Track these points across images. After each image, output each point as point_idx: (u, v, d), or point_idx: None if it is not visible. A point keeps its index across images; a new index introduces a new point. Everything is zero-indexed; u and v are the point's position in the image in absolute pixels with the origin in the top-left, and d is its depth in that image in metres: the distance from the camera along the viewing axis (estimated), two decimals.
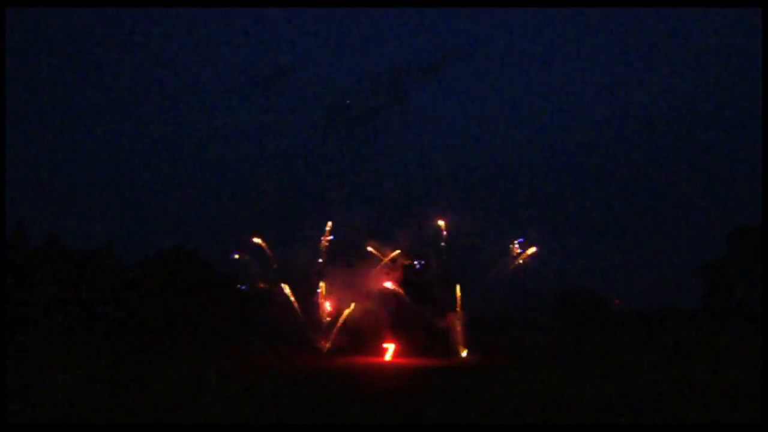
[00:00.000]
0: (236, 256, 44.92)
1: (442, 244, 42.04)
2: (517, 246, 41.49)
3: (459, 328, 40.58)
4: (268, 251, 43.74)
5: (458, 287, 40.42)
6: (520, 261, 41.42)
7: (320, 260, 43.05)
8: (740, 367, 28.12)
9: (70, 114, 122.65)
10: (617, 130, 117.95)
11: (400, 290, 41.15)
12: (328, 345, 41.79)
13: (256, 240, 43.88)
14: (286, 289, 42.63)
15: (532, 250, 41.38)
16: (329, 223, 43.22)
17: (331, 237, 43.11)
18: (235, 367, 30.94)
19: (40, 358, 31.61)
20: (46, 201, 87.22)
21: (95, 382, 23.63)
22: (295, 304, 42.69)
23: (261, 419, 16.93)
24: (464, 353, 40.11)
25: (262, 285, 45.21)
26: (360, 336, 41.06)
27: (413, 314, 41.09)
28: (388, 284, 41.01)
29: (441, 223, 42.06)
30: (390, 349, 39.18)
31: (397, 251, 41.79)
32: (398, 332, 40.02)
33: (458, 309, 40.26)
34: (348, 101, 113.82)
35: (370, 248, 41.95)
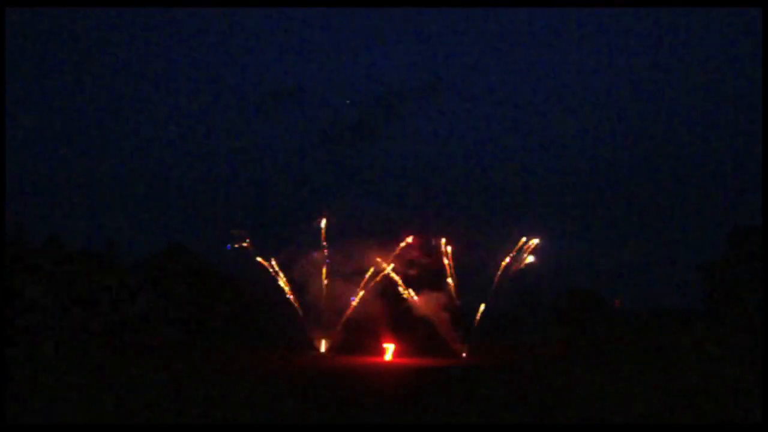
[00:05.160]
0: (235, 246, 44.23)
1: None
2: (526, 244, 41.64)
3: (448, 320, 40.54)
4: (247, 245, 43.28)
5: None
6: (526, 260, 41.37)
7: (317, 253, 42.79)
8: (740, 367, 28.13)
9: (71, 114, 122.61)
10: (616, 130, 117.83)
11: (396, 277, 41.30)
12: (327, 345, 41.78)
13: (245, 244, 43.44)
14: (283, 285, 42.62)
15: (534, 241, 41.40)
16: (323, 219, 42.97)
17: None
18: (234, 367, 30.95)
19: (40, 359, 31.63)
20: (46, 201, 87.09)
21: (95, 383, 23.64)
22: (296, 304, 42.69)
23: (260, 419, 16.92)
24: (463, 353, 40.10)
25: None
26: (360, 336, 41.10)
27: (409, 309, 41.14)
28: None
29: (449, 249, 41.96)
30: (390, 349, 39.22)
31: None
32: (398, 332, 40.08)
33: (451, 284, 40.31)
34: (348, 101, 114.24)
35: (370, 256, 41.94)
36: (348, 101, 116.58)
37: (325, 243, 42.58)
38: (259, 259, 42.78)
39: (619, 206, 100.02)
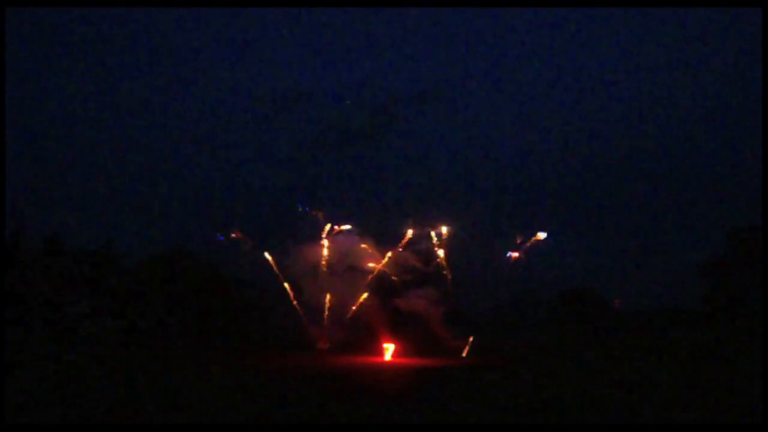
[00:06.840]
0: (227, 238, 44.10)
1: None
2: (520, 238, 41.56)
3: (440, 317, 40.42)
4: (244, 239, 43.17)
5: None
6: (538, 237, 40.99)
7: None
8: (740, 367, 28.12)
9: (71, 114, 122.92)
10: (617, 131, 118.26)
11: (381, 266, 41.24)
12: (327, 344, 41.81)
13: (234, 235, 43.20)
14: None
15: (541, 236, 41.05)
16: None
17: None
18: (234, 366, 30.95)
19: (40, 360, 31.65)
20: (46, 201, 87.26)
21: (96, 383, 23.65)
22: (295, 303, 42.72)
23: (259, 419, 16.91)
24: (461, 352, 40.13)
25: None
26: (359, 335, 41.15)
27: (405, 306, 41.13)
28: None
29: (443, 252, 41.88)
30: (390, 349, 39.24)
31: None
32: (398, 332, 40.11)
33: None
34: (348, 101, 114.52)
35: (364, 246, 41.85)
36: (348, 102, 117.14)
37: (323, 240, 42.59)
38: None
39: (619, 206, 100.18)
